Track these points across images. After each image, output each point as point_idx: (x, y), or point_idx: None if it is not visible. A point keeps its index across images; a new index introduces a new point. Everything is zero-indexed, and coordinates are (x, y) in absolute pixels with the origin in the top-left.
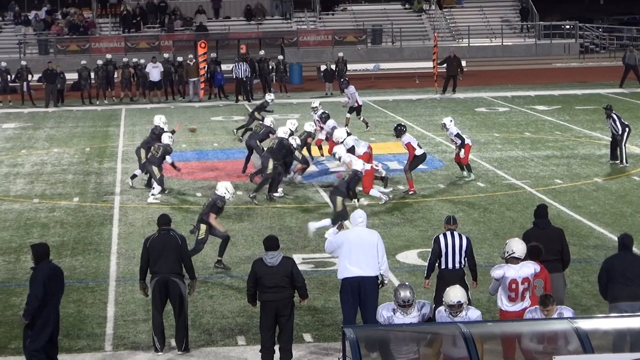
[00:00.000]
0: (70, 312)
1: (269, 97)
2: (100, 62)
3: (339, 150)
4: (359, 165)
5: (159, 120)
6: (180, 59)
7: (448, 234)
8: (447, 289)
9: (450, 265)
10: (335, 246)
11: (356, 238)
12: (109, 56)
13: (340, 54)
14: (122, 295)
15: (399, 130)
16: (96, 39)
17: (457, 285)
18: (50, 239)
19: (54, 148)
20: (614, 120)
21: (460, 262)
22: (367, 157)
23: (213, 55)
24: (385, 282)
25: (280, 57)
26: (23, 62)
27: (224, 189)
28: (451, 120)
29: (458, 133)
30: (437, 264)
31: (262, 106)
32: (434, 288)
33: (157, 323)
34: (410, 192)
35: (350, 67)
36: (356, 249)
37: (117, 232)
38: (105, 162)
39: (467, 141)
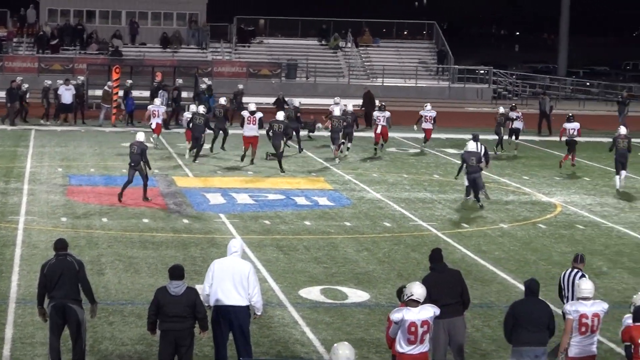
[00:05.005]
0: None
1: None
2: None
3: None
4: None
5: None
6: (81, 78)
7: (568, 271)
8: None
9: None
10: (210, 274)
11: (229, 267)
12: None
13: (240, 86)
14: (22, 317)
15: None
16: (9, 57)
17: None
18: None
19: None
20: (478, 148)
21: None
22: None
23: (129, 81)
24: (257, 314)
25: (241, 86)
26: None
27: None
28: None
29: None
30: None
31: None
32: None
33: (54, 347)
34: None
35: (263, 100)
36: (228, 278)
37: (19, 253)
38: (11, 182)
39: None
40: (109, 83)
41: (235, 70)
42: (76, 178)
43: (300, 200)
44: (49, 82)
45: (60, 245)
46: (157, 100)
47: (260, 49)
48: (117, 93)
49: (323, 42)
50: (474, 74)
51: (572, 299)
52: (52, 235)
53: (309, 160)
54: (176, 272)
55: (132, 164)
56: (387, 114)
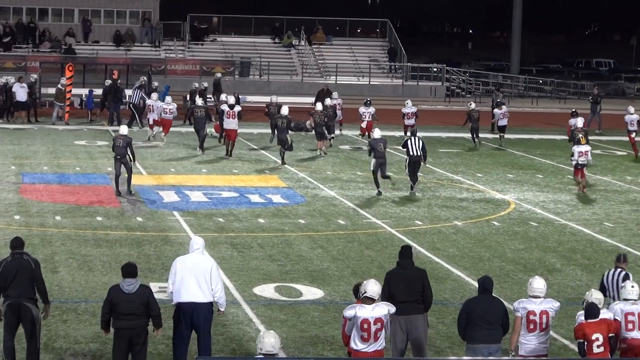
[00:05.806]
0: None
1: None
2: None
3: None
4: None
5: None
6: (34, 76)
7: (612, 271)
8: None
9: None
10: (172, 272)
11: (191, 264)
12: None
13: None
14: None
15: None
16: None
17: None
18: None
19: None
20: (417, 143)
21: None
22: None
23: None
24: (221, 309)
25: (201, 84)
26: None
27: None
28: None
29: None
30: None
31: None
32: None
33: (8, 346)
34: None
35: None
36: (190, 275)
37: None
38: None
39: None
40: (62, 81)
41: (188, 68)
42: (29, 176)
43: (254, 198)
44: (4, 79)
45: (17, 243)
46: (154, 95)
47: (213, 47)
48: (70, 91)
49: (276, 40)
50: (427, 72)
51: (618, 299)
52: (6, 234)
53: (262, 158)
54: (129, 270)
55: (118, 157)
56: (372, 109)
